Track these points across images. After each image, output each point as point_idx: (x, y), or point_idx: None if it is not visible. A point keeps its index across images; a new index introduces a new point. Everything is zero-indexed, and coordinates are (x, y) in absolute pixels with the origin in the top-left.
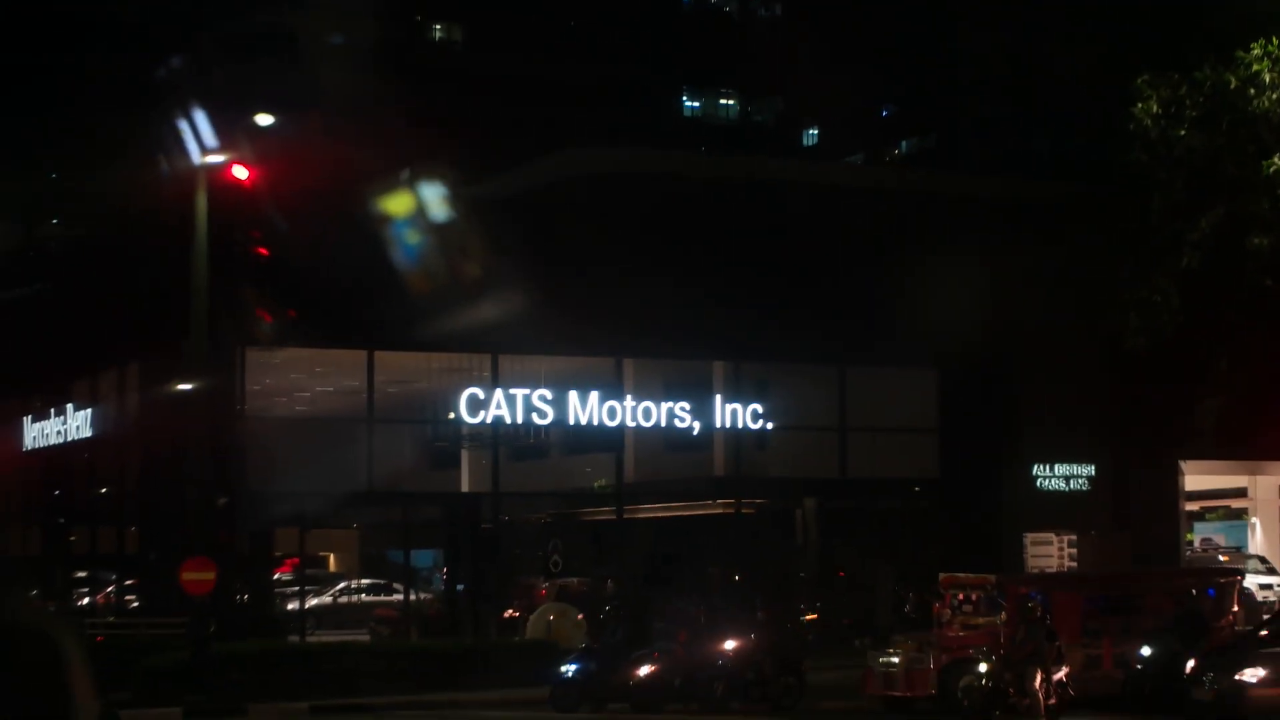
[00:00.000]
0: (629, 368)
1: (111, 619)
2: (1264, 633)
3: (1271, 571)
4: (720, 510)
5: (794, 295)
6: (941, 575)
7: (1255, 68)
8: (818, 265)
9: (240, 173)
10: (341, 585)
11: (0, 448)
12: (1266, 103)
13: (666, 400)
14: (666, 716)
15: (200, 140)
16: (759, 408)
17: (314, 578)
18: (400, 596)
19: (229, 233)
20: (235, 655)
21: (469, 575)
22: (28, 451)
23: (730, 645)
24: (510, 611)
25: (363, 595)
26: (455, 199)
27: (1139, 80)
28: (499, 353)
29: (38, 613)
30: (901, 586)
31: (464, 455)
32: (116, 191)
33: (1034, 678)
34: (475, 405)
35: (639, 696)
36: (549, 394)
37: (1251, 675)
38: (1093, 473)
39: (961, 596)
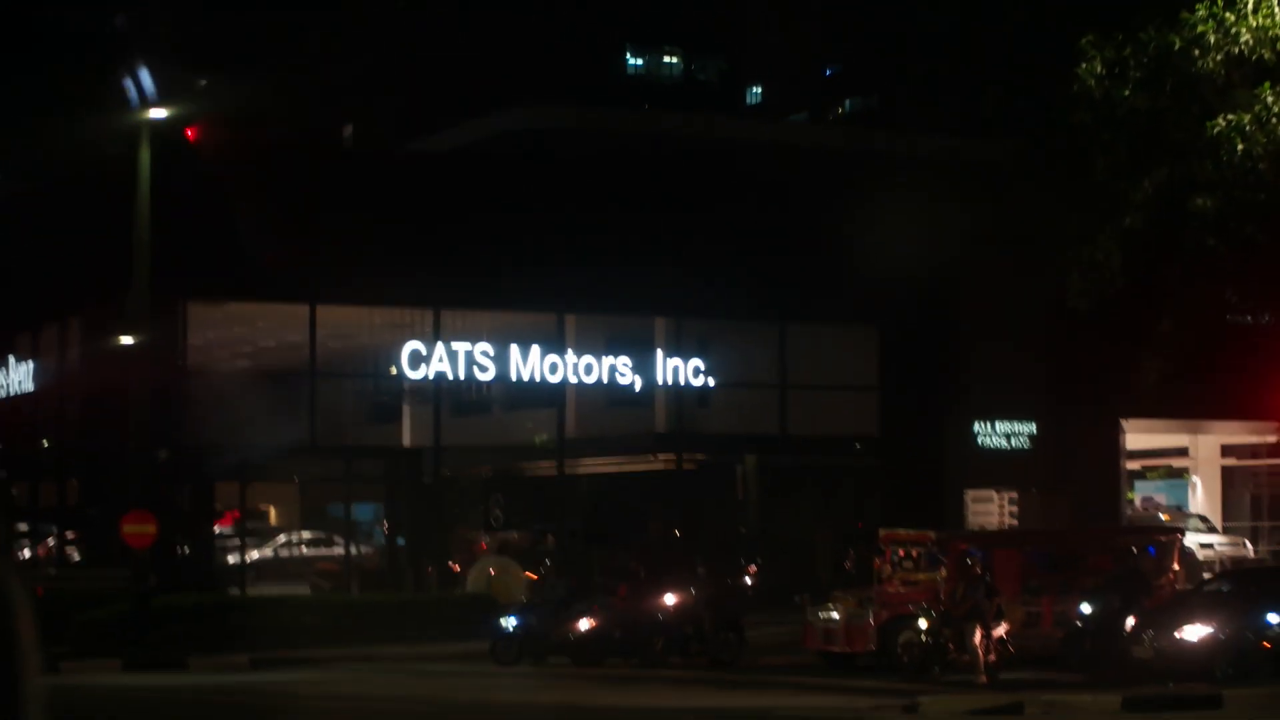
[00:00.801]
0: (571, 323)
1: (52, 571)
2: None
3: (1212, 530)
4: (661, 466)
5: (736, 252)
6: (882, 531)
7: (1200, 29)
8: (760, 223)
9: (186, 129)
10: (282, 538)
11: None
12: (1210, 64)
13: (608, 356)
14: (606, 670)
15: (143, 92)
16: (700, 364)
17: (254, 531)
18: (341, 550)
19: (171, 186)
20: (175, 608)
21: (410, 529)
22: None
23: (670, 600)
24: (451, 565)
25: (303, 549)
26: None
27: (1083, 40)
28: (441, 308)
29: None
30: (842, 543)
31: (405, 410)
32: (59, 143)
33: (973, 634)
34: (417, 360)
35: (579, 650)
36: (491, 349)
37: (1191, 633)
38: (1034, 430)
39: (902, 553)
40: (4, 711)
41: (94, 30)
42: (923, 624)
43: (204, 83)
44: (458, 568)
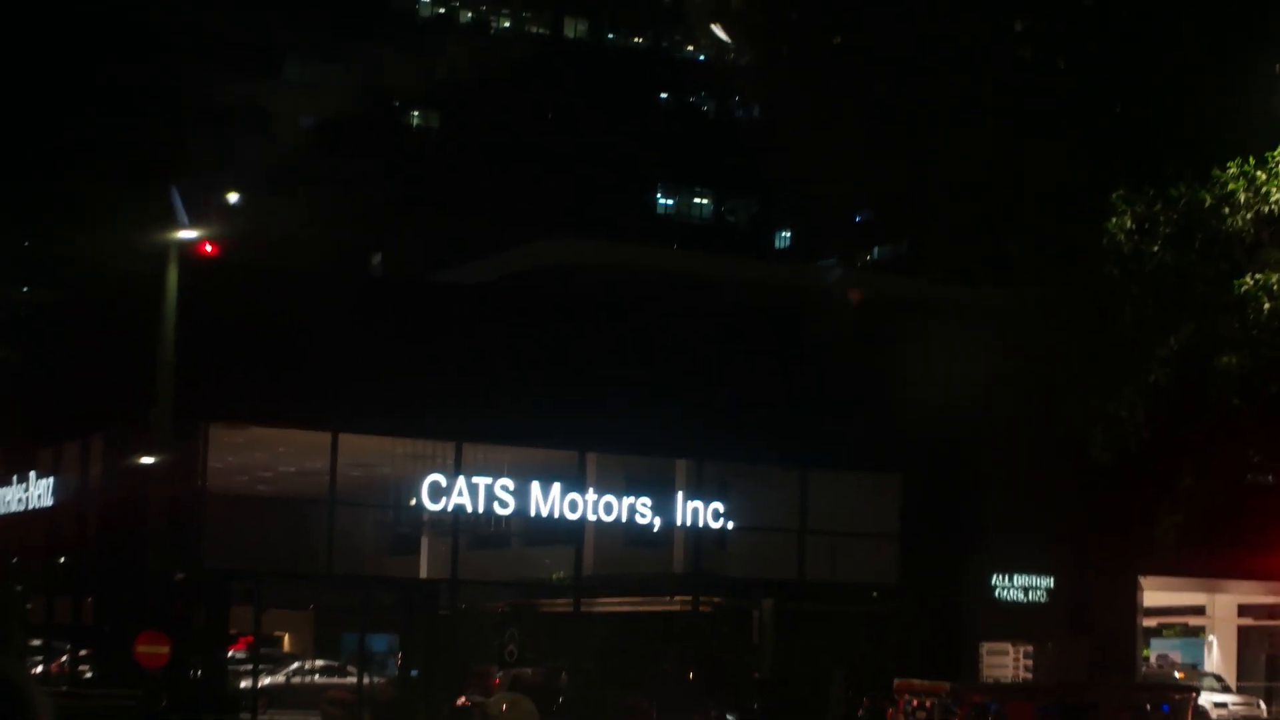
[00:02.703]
0: (592, 461)
1: (64, 688)
2: None
3: (1226, 690)
4: (678, 607)
5: (759, 396)
6: (896, 681)
7: (1230, 186)
8: (785, 366)
9: (208, 247)
10: (295, 665)
11: None
12: (1240, 222)
13: (628, 495)
14: None
15: (174, 214)
16: (720, 506)
17: (268, 656)
18: (354, 679)
19: (198, 307)
20: None
21: (424, 661)
22: None
23: None
24: (463, 699)
25: (316, 676)
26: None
27: (1114, 195)
28: (463, 440)
29: (11, 664)
30: (856, 690)
31: (424, 541)
32: (87, 260)
33: None
34: (437, 492)
35: None
36: (511, 484)
37: None
38: (1051, 584)
39: (916, 703)
40: None
41: (124, 148)
42: None
43: (233, 200)
44: (468, 703)
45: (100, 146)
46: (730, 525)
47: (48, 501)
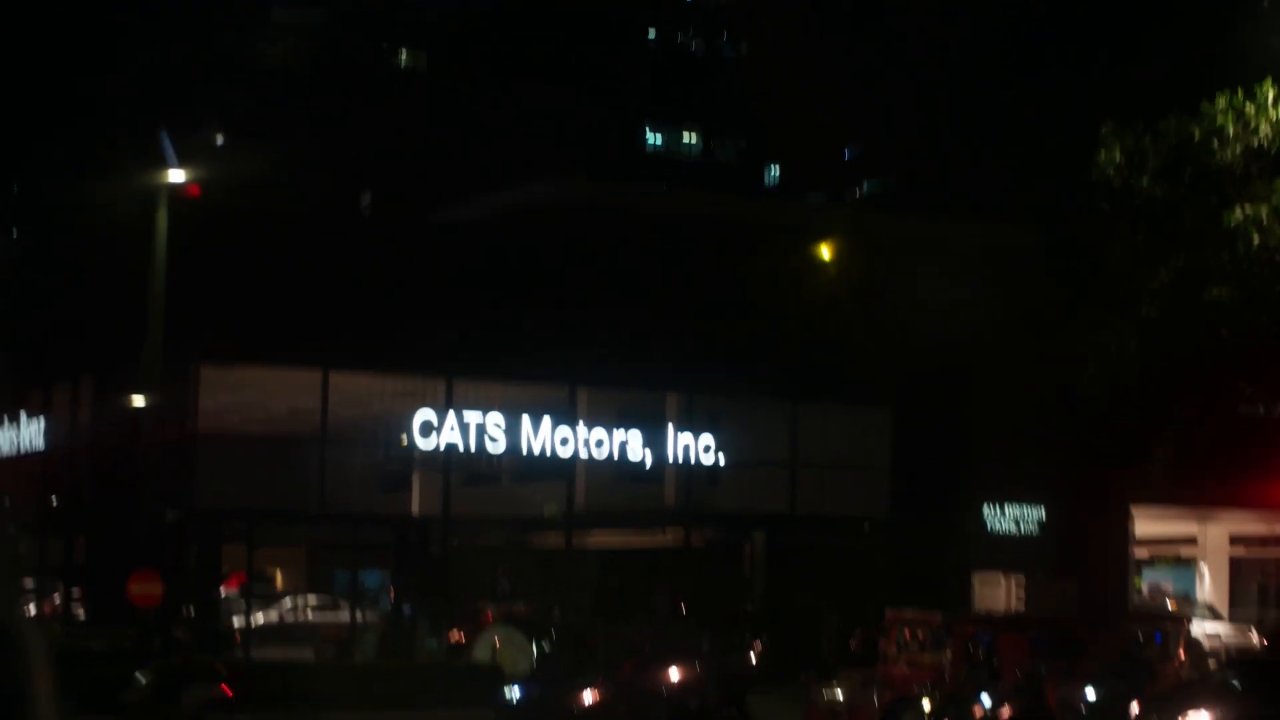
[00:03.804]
0: (583, 397)
1: (57, 629)
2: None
3: (1218, 619)
4: (669, 541)
5: (750, 331)
6: (888, 612)
7: (1219, 120)
8: (774, 301)
9: (189, 188)
10: (288, 603)
11: None
12: (1229, 155)
13: (619, 430)
14: None
15: (163, 157)
16: (711, 441)
17: (260, 594)
18: (346, 616)
19: (188, 248)
20: (179, 669)
21: (416, 597)
22: None
23: (675, 675)
24: (456, 634)
25: (309, 613)
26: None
27: (1103, 129)
28: (453, 377)
29: (6, 610)
30: (848, 622)
31: (415, 478)
32: (76, 204)
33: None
34: (428, 429)
35: None
36: (502, 420)
37: (1195, 719)
38: (1043, 515)
39: (908, 634)
40: None
41: (112, 93)
42: (926, 705)
43: (220, 142)
44: (462, 637)
45: (88, 91)
46: (721, 459)
47: (39, 443)
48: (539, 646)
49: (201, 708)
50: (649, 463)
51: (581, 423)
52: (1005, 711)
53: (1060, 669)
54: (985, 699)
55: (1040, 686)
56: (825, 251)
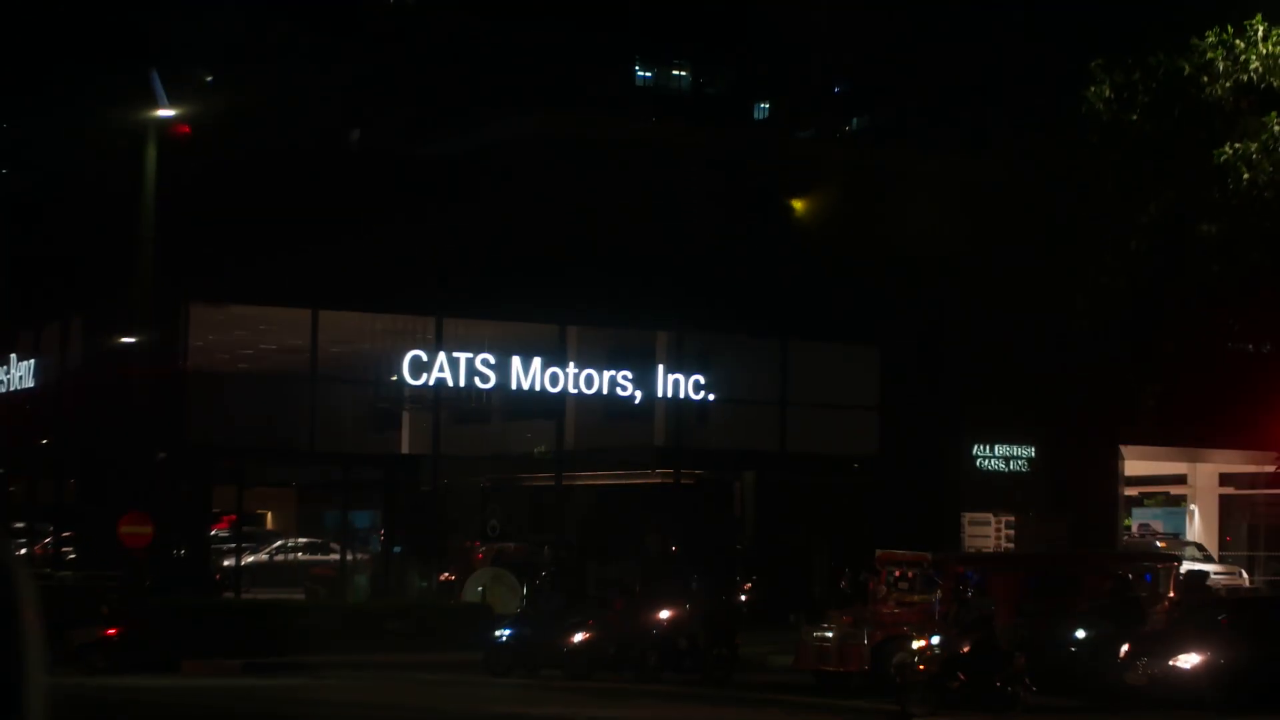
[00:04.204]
0: (573, 335)
1: (48, 570)
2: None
3: (1208, 559)
4: (659, 480)
5: (739, 268)
6: (878, 552)
7: (1209, 55)
8: (765, 239)
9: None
10: (278, 543)
11: None
12: (1219, 91)
13: (609, 369)
14: (599, 683)
15: (154, 95)
16: (701, 379)
17: (251, 535)
18: (337, 556)
19: (177, 186)
20: (169, 610)
21: (406, 537)
22: None
23: (664, 615)
24: (446, 574)
25: (299, 554)
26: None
27: (1093, 64)
28: (443, 316)
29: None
30: (838, 562)
31: (405, 417)
32: (65, 142)
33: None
34: (418, 368)
35: (572, 663)
36: (492, 358)
37: (1185, 660)
38: (1032, 454)
39: (898, 574)
40: (9, 703)
41: (100, 29)
42: (915, 645)
43: (210, 79)
44: (452, 577)
45: (72, 27)
46: (711, 397)
47: (29, 383)
48: (529, 586)
49: (80, 648)
50: (638, 400)
51: (571, 361)
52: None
53: (1051, 608)
54: (935, 639)
55: (990, 623)
56: (815, 189)
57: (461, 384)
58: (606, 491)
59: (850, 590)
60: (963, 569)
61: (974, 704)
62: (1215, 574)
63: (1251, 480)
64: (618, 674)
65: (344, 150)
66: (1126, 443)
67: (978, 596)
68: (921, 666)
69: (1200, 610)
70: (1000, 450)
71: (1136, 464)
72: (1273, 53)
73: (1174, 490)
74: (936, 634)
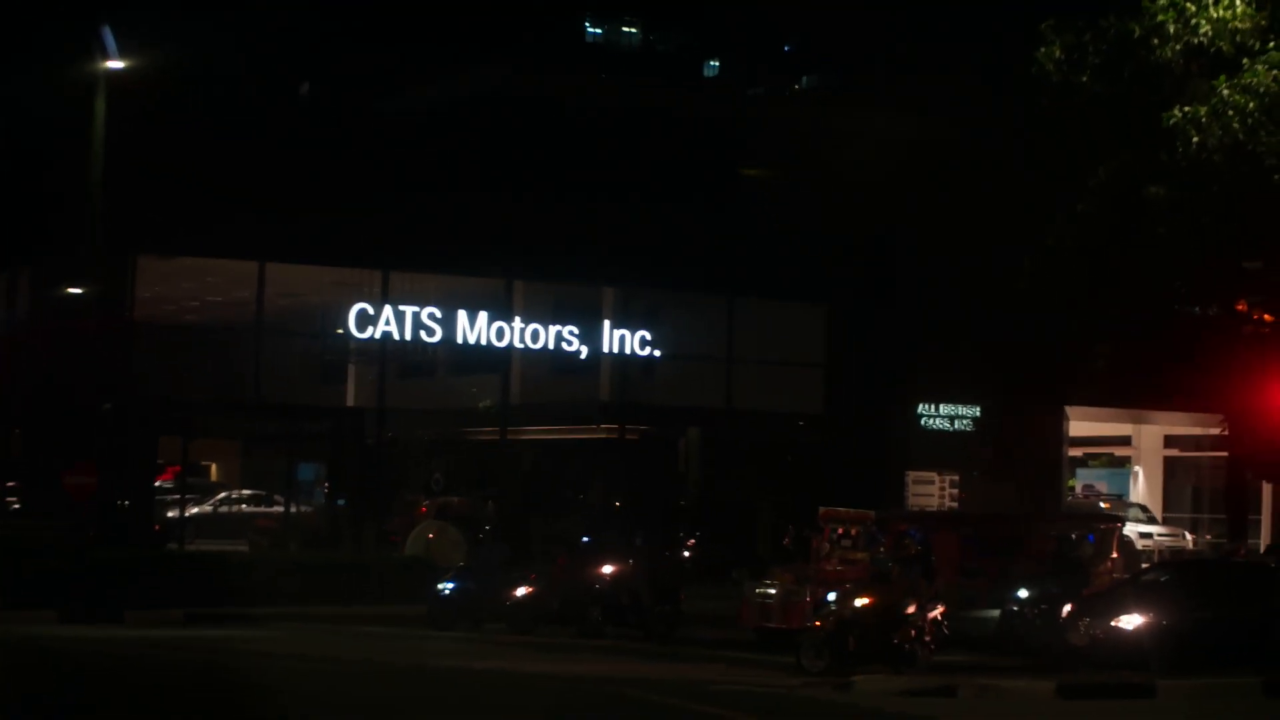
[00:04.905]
0: (519, 290)
1: None
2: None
3: (1152, 520)
4: (604, 435)
5: (687, 224)
6: (821, 509)
7: (1160, 18)
8: (712, 195)
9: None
10: (222, 495)
11: None
12: (1169, 53)
13: (555, 324)
14: (542, 638)
15: (102, 45)
16: (647, 334)
17: (195, 486)
18: (281, 509)
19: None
20: (113, 561)
21: (351, 490)
22: None
23: (608, 570)
24: (391, 527)
25: (243, 506)
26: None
27: (1043, 25)
28: (390, 269)
29: None
30: (782, 519)
31: (351, 370)
32: (10, 90)
33: (909, 608)
34: (364, 321)
35: (516, 617)
36: (438, 312)
37: (1127, 622)
38: (978, 414)
39: (841, 531)
40: None
41: None
42: (831, 596)
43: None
44: (395, 534)
45: None
46: (657, 354)
47: None
48: (473, 540)
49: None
50: (584, 356)
51: (517, 316)
52: (939, 609)
53: (994, 567)
54: (831, 596)
55: (888, 579)
56: (764, 147)
57: (408, 338)
58: (551, 446)
59: (794, 547)
60: (904, 527)
61: (870, 659)
62: (1158, 535)
63: (1196, 442)
64: (562, 628)
65: (294, 101)
66: (1072, 403)
67: (923, 554)
68: (818, 623)
69: (1143, 572)
70: (945, 410)
71: (1081, 425)
72: (1223, 17)
73: (1118, 452)
74: (832, 592)
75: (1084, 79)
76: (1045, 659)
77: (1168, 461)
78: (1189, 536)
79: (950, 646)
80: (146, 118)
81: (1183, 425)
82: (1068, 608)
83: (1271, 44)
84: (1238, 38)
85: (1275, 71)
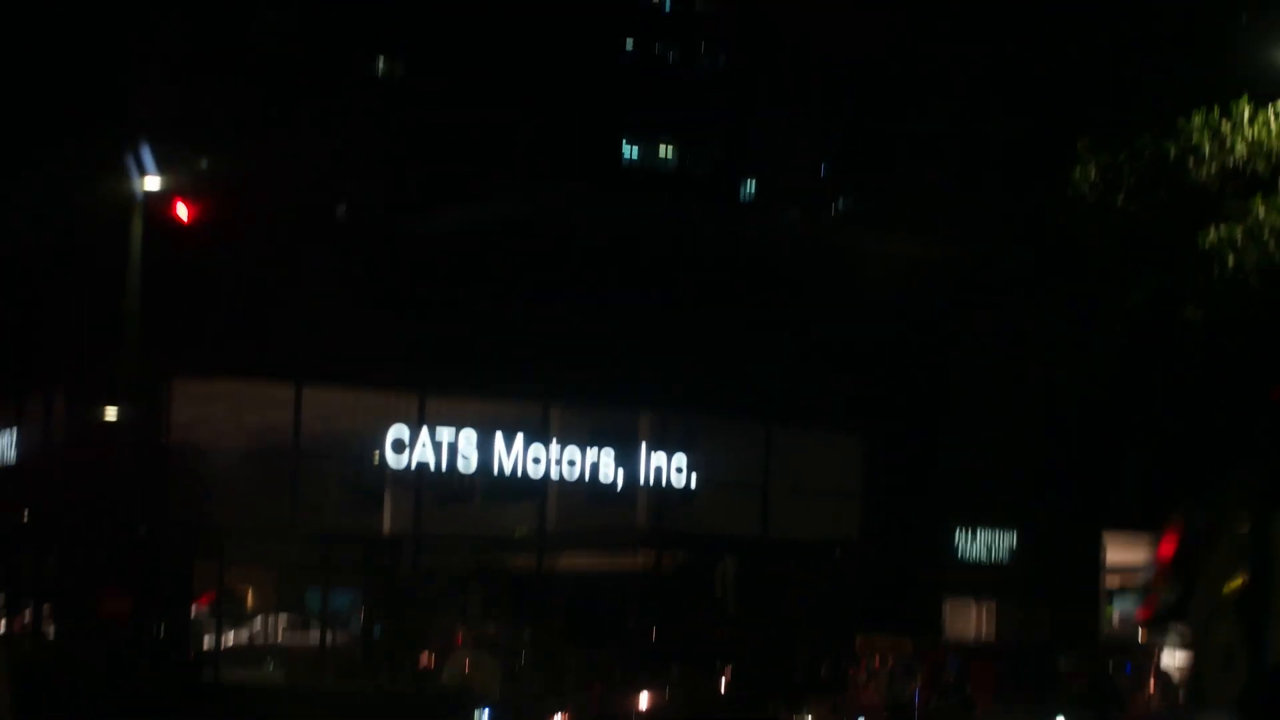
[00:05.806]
0: (556, 415)
1: (27, 646)
2: None
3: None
4: (640, 564)
5: (725, 350)
6: (859, 638)
7: (1195, 138)
8: (750, 321)
9: (182, 211)
10: (258, 622)
11: None
12: (1205, 174)
13: (592, 449)
14: None
15: (139, 165)
16: (684, 461)
17: (230, 613)
18: (317, 636)
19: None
20: (146, 694)
21: (386, 618)
22: None
23: (644, 701)
24: (426, 657)
25: (279, 632)
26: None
27: (1079, 145)
28: (426, 393)
29: None
30: (819, 648)
31: (387, 497)
32: (51, 212)
33: None
34: (400, 447)
35: None
36: (475, 437)
37: None
38: (1014, 542)
39: (878, 660)
40: None
41: (88, 96)
42: None
43: (205, 162)
44: (431, 660)
45: (56, 92)
46: (694, 480)
47: (10, 456)
48: (509, 670)
49: None
50: (621, 483)
51: (554, 441)
52: None
53: (1031, 697)
54: None
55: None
56: (799, 270)
57: (444, 464)
58: (587, 575)
59: (831, 677)
60: (942, 657)
61: None
62: None
63: None
64: None
65: (330, 224)
66: (1108, 529)
67: (960, 684)
68: None
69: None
70: (982, 536)
71: (1118, 551)
72: (1258, 138)
73: None
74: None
75: (1119, 199)
76: None
77: None
78: None
79: None
80: (183, 237)
81: None
82: None
83: None
84: (1273, 158)
85: None
